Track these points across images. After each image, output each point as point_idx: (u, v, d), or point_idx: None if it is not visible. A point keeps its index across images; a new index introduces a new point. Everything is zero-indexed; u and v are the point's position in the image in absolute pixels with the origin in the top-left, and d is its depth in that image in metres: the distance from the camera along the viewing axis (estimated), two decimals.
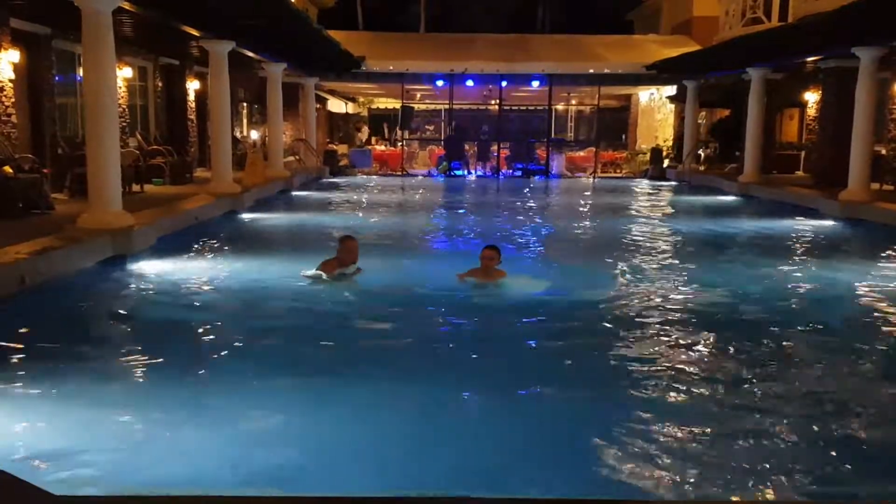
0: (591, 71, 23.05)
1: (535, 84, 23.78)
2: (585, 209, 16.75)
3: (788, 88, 20.44)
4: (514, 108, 30.53)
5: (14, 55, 11.65)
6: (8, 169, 10.21)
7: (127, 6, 9.72)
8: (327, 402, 4.65)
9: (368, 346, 5.75)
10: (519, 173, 24.64)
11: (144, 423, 4.34)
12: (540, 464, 3.90)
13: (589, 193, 20.39)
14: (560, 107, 31.25)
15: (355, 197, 18.30)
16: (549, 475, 3.76)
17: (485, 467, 3.85)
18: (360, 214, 14.94)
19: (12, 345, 5.51)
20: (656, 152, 24.51)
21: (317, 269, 7.67)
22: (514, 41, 25.31)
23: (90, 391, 4.76)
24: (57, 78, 13.41)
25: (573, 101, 31.28)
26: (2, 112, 11.41)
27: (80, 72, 13.78)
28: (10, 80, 11.60)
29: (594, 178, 24.29)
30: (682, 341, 6.02)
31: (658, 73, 22.25)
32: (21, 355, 5.36)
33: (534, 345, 6.03)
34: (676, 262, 9.70)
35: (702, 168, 23.03)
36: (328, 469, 3.81)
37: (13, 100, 11.72)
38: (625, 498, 3.52)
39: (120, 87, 14.61)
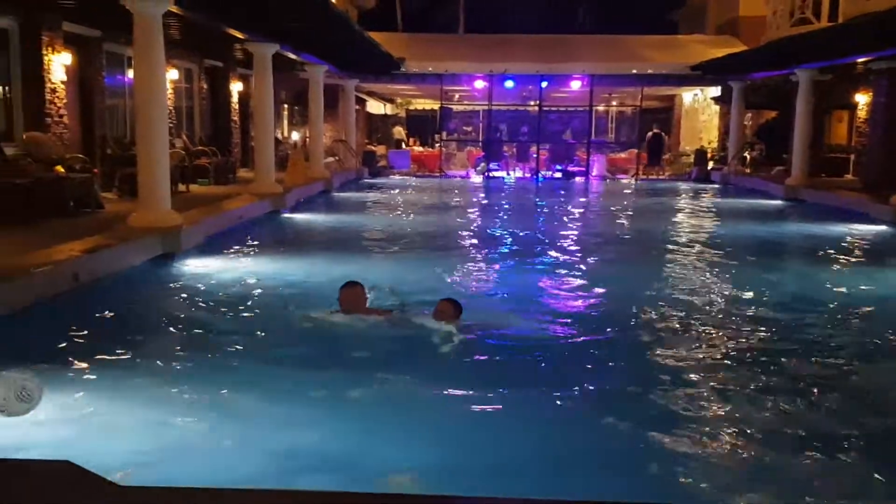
0: (634, 71, 22.79)
1: (576, 85, 23.61)
2: (626, 212, 16.56)
3: (838, 90, 19.96)
4: (554, 108, 30.31)
5: (66, 57, 11.91)
6: (60, 168, 10.45)
7: (175, 10, 9.87)
8: (366, 402, 4.65)
9: (403, 349, 5.72)
10: (559, 175, 24.49)
11: (192, 416, 4.40)
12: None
13: (630, 195, 20.17)
14: (601, 107, 30.98)
15: (392, 198, 18.35)
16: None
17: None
18: (396, 215, 14.97)
19: (67, 340, 5.63)
20: (700, 154, 24.16)
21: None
22: (555, 42, 25.16)
23: (140, 385, 4.83)
24: (106, 80, 13.68)
25: (614, 102, 30.98)
26: (55, 113, 11.69)
27: (129, 74, 14.07)
28: (63, 82, 11.88)
29: (636, 179, 24.03)
30: (723, 349, 5.90)
31: (703, 74, 21.92)
32: (75, 350, 5.46)
33: (567, 353, 5.95)
34: (719, 267, 9.50)
35: (747, 170, 22.63)
36: (365, 468, 3.81)
37: (65, 101, 11.99)
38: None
39: (167, 89, 14.85)
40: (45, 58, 11.43)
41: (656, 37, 26.29)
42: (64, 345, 5.53)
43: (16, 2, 10.82)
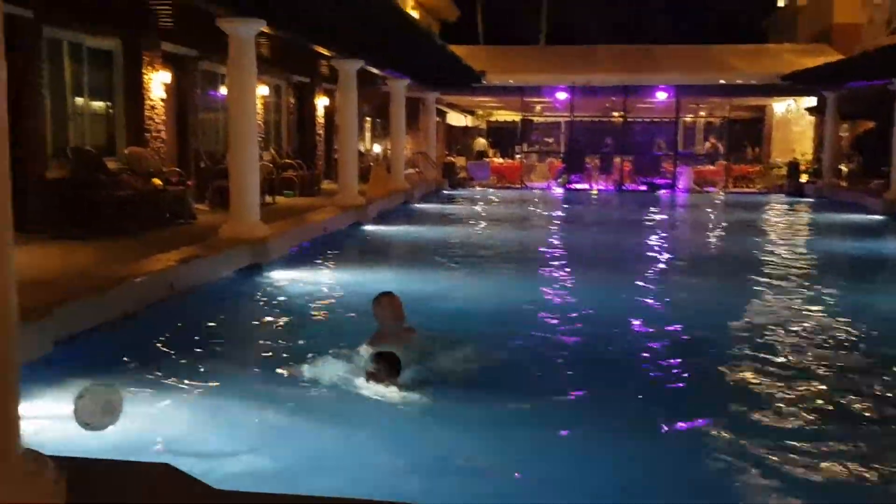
0: (722, 82, 22.22)
1: (662, 95, 23.19)
2: (714, 227, 16.11)
3: None
4: (638, 119, 29.81)
5: (165, 76, 12.53)
6: (157, 181, 10.97)
7: (267, 30, 10.26)
8: (444, 411, 4.70)
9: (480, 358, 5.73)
10: (643, 187, 24.07)
11: (279, 422, 4.52)
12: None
13: (719, 209, 19.63)
14: (688, 118, 30.28)
15: (471, 210, 18.41)
16: None
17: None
18: (474, 228, 15.01)
19: (162, 346, 5.92)
20: (793, 166, 23.31)
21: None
22: (639, 52, 24.80)
23: (233, 391, 5.01)
24: (200, 96, 14.28)
25: (702, 113, 30.25)
26: (153, 129, 12.30)
27: (222, 90, 14.67)
28: (161, 99, 12.49)
29: (725, 193, 23.39)
30: (810, 373, 5.66)
31: (795, 84, 21.17)
32: (169, 355, 5.74)
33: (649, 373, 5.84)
34: (812, 285, 9.10)
35: (843, 184, 21.67)
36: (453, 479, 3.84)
37: (163, 117, 12.60)
38: None
39: (258, 105, 15.41)
40: (146, 76, 12.05)
41: (745, 46, 25.59)
42: (159, 350, 5.81)
43: (120, 24, 11.46)
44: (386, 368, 4.86)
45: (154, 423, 4.48)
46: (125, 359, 5.54)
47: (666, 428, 4.59)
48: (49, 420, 3.92)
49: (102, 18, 11.05)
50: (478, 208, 18.84)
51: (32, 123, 9.69)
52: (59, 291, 5.98)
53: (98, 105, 11.78)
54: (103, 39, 11.51)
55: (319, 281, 8.93)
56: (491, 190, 23.93)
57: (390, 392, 4.82)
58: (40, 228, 9.04)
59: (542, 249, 12.33)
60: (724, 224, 16.58)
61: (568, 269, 10.36)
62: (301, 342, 6.21)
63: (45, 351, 5.06)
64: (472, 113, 33.82)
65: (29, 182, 9.21)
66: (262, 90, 16.19)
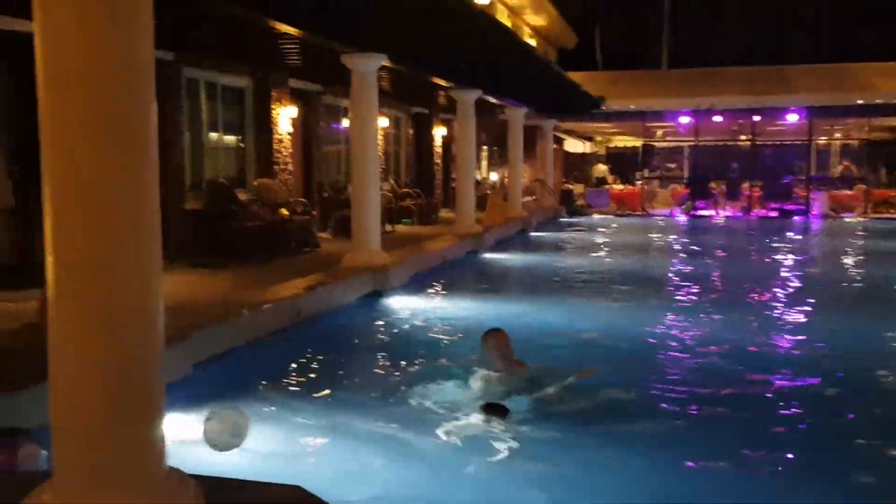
0: (860, 101, 20.91)
1: (793, 117, 22.07)
2: (853, 254, 15.05)
3: None
4: (767, 142, 28.45)
5: (292, 111, 13.12)
6: (285, 212, 11.44)
7: (388, 64, 10.54)
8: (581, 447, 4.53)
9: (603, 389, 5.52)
10: (774, 214, 22.88)
11: (395, 451, 4.51)
12: None
13: (857, 236, 18.34)
14: (822, 140, 28.62)
15: (590, 238, 18.05)
16: None
17: None
18: (593, 257, 14.68)
19: (291, 369, 6.12)
20: None
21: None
22: (768, 73, 23.80)
23: (354, 415, 5.07)
24: (324, 129, 14.85)
25: (837, 134, 28.51)
26: (281, 161, 12.87)
27: (344, 123, 15.20)
28: (289, 133, 13.07)
29: (864, 219, 21.86)
30: None
31: None
32: (298, 379, 5.92)
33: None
34: None
35: None
36: None
37: (290, 150, 13.17)
38: None
39: (378, 137, 15.84)
40: (274, 111, 12.66)
41: (885, 63, 23.99)
42: (287, 374, 6.00)
43: (252, 64, 12.13)
44: (494, 420, 4.79)
45: (279, 445, 4.58)
46: (255, 381, 5.74)
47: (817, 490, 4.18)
48: (188, 439, 4.08)
49: (236, 59, 11.73)
50: (596, 237, 18.47)
51: (174, 158, 10.37)
52: (197, 316, 6.29)
53: (230, 139, 12.47)
54: (236, 78, 12.20)
55: (437, 308, 8.98)
56: (610, 217, 23.44)
57: (501, 426, 4.74)
58: (178, 257, 9.60)
59: (663, 280, 11.89)
60: (865, 253, 15.45)
61: (692, 301, 9.91)
62: (418, 368, 6.25)
63: (185, 373, 5.31)
64: (590, 139, 33.42)
65: (169, 213, 9.82)
66: (383, 122, 16.64)
